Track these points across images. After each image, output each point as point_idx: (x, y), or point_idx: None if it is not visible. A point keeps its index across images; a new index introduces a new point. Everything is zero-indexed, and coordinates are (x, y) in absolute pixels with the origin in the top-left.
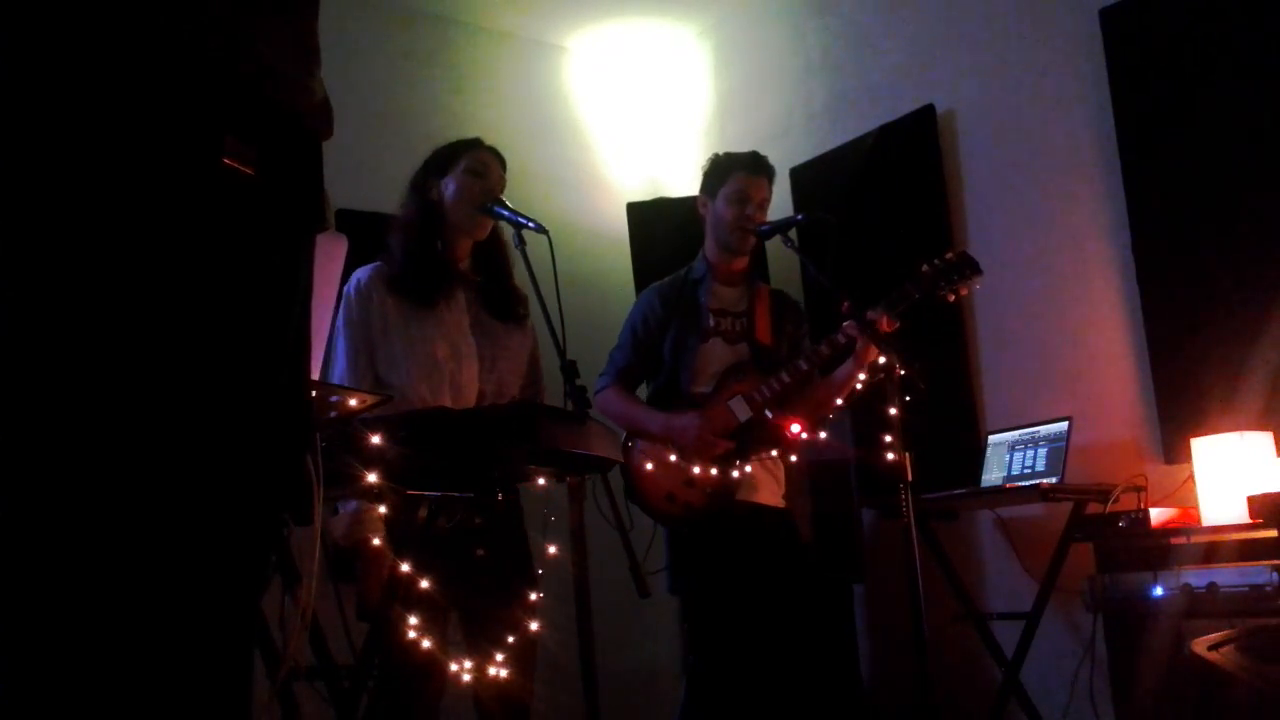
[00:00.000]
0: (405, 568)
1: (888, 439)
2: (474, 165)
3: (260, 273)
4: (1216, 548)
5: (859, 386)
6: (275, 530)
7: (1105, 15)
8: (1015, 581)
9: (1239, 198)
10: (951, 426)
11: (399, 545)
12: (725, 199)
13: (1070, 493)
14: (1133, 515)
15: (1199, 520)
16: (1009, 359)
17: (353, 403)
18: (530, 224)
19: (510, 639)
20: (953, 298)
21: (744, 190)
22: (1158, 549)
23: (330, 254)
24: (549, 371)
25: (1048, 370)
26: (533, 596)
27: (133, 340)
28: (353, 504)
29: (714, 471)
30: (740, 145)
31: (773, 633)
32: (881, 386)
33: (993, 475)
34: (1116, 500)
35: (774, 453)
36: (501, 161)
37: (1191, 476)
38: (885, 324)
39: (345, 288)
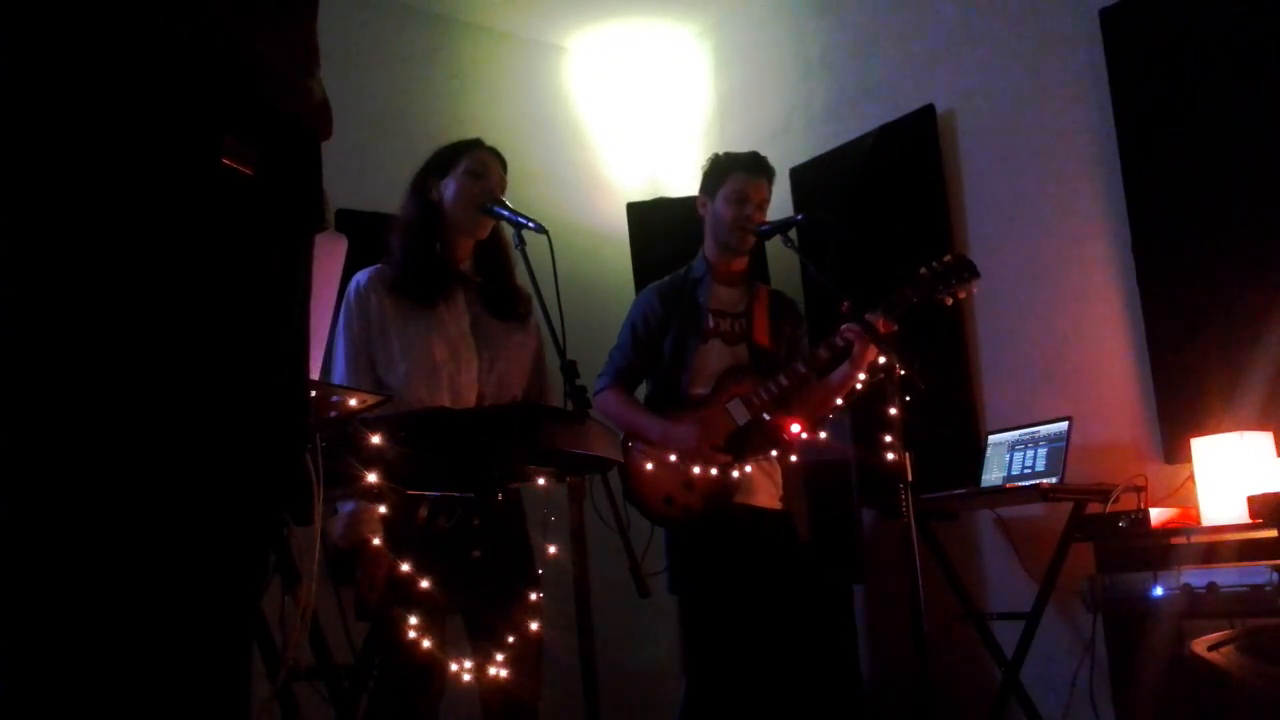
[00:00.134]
0: (405, 568)
1: (888, 439)
2: (474, 166)
3: (259, 273)
4: (1216, 548)
5: (859, 386)
6: (275, 530)
7: (1105, 15)
8: (1015, 581)
9: (1239, 197)
10: (951, 426)
11: (398, 545)
12: (724, 199)
13: (1070, 493)
14: (1133, 515)
15: (1199, 520)
16: (1009, 359)
17: (353, 403)
18: (530, 224)
19: (511, 639)
20: (950, 301)
21: (743, 190)
22: (1158, 549)
23: (330, 254)
24: (549, 371)
25: (1048, 370)
26: (533, 597)
27: (131, 340)
28: (349, 505)
29: (713, 472)
30: (740, 145)
31: (772, 633)
32: (881, 386)
33: (993, 475)
34: (1116, 500)
35: (773, 453)
36: (502, 162)
37: (1191, 476)
38: (883, 326)
39: (345, 291)
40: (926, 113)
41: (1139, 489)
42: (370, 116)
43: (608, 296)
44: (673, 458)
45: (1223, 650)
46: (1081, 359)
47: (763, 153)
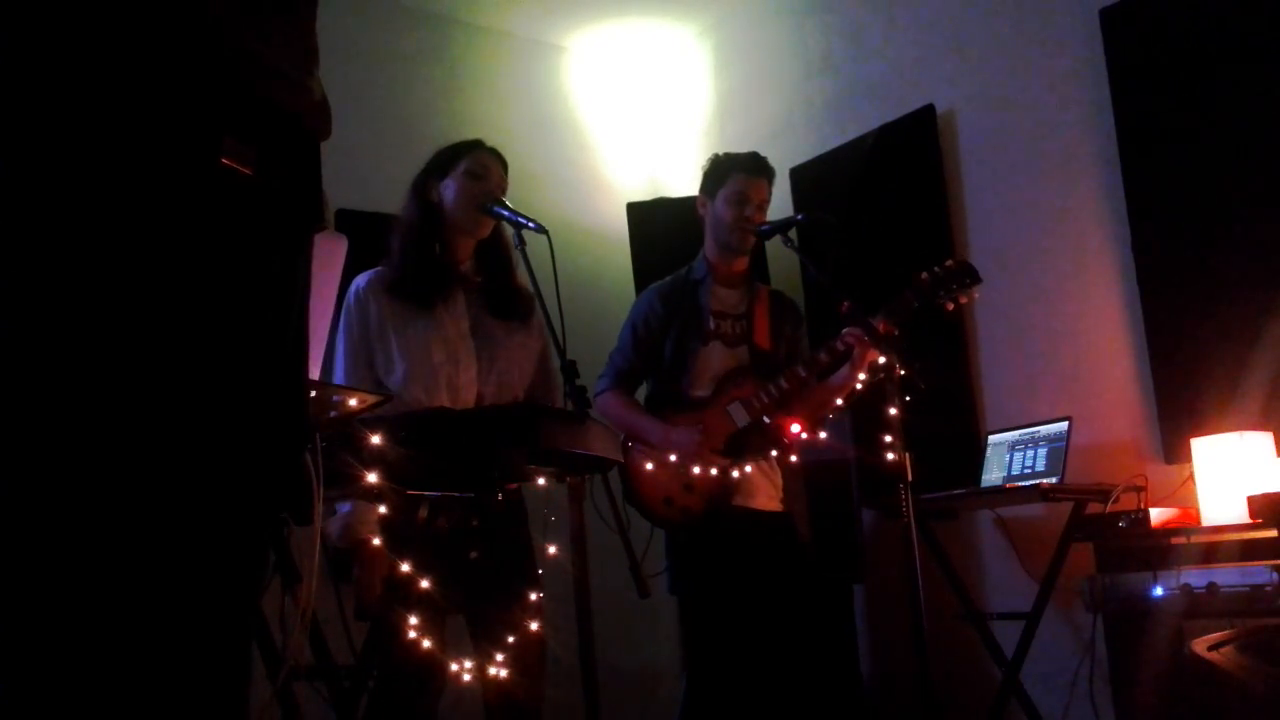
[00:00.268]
0: (405, 568)
1: (888, 439)
2: (474, 167)
3: (259, 273)
4: (1216, 548)
5: (859, 387)
6: (275, 530)
7: (1105, 15)
8: (1015, 581)
9: (1239, 197)
10: (951, 426)
11: (398, 545)
12: (724, 200)
13: (1070, 493)
14: (1133, 515)
15: (1199, 520)
16: (1009, 359)
17: (353, 403)
18: (530, 224)
19: (511, 639)
20: (951, 306)
21: (743, 191)
22: (1158, 549)
23: (330, 254)
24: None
25: (1048, 370)
26: (533, 596)
27: (131, 340)
28: (346, 505)
29: (712, 473)
30: (740, 145)
31: (772, 633)
32: (881, 386)
33: (993, 475)
34: (1116, 500)
35: (772, 454)
36: (503, 162)
37: (1191, 476)
38: (884, 329)
39: (345, 295)
40: (926, 113)
41: (1139, 489)
42: (370, 116)
43: (608, 296)
44: (672, 458)
45: (1223, 650)
46: (1081, 359)
47: (763, 153)
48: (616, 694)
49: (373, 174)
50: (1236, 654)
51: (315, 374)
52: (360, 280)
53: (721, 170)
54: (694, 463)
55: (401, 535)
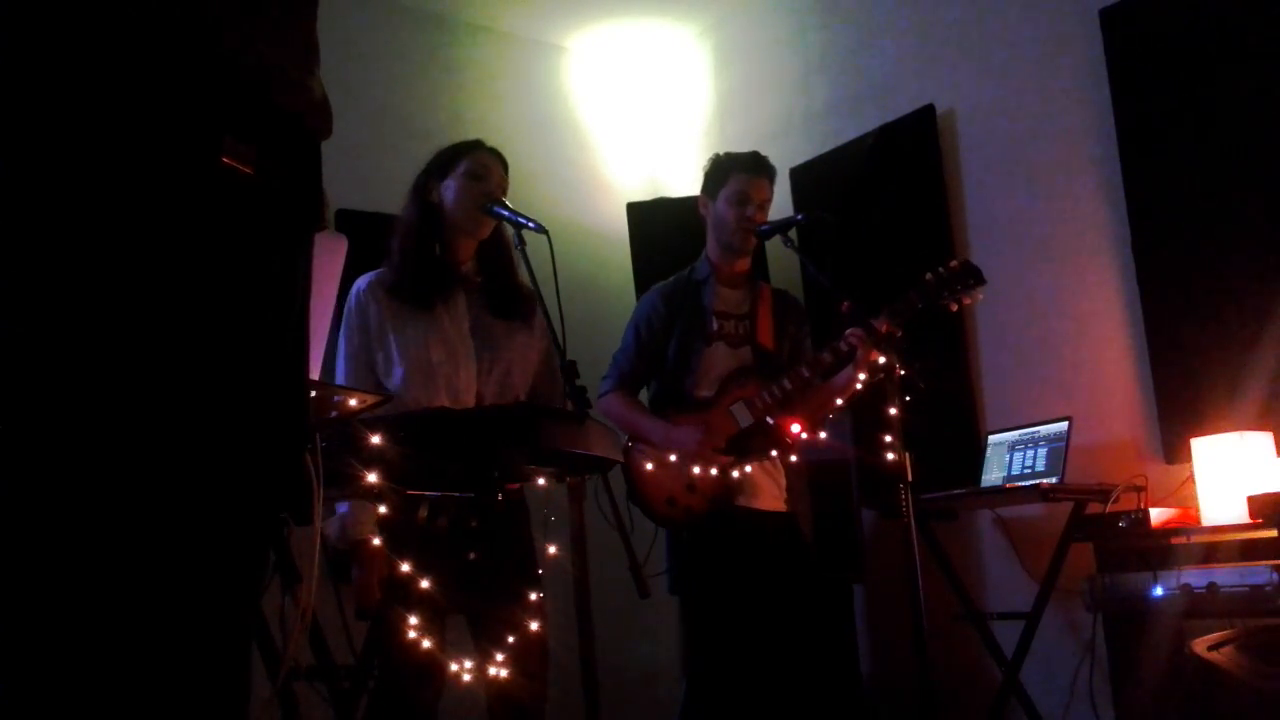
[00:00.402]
0: (405, 568)
1: (888, 439)
2: (474, 168)
3: (259, 272)
4: (1216, 548)
5: (859, 387)
6: (275, 530)
7: (1105, 15)
8: (1015, 581)
9: (1239, 197)
10: (951, 426)
11: (398, 545)
12: (726, 200)
13: (1070, 493)
14: (1133, 515)
15: (1199, 520)
16: (1009, 359)
17: (353, 403)
18: (530, 224)
19: (511, 639)
20: (955, 308)
21: (744, 191)
22: (1158, 549)
23: (330, 254)
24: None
25: (1048, 370)
26: (534, 596)
27: (131, 339)
28: (345, 506)
29: (714, 472)
30: (740, 145)
31: (772, 633)
32: (881, 386)
33: (993, 475)
34: (1116, 500)
35: (773, 453)
36: (503, 162)
37: (1191, 476)
38: (886, 330)
39: (347, 296)
40: (926, 113)
41: (1139, 489)
42: (370, 116)
43: (608, 296)
44: (672, 458)
45: (1223, 650)
46: (1081, 359)
47: (763, 153)
48: (616, 694)
49: (373, 174)
50: (1236, 654)
51: (315, 375)
52: (361, 282)
53: (722, 170)
54: (695, 462)
55: (401, 535)
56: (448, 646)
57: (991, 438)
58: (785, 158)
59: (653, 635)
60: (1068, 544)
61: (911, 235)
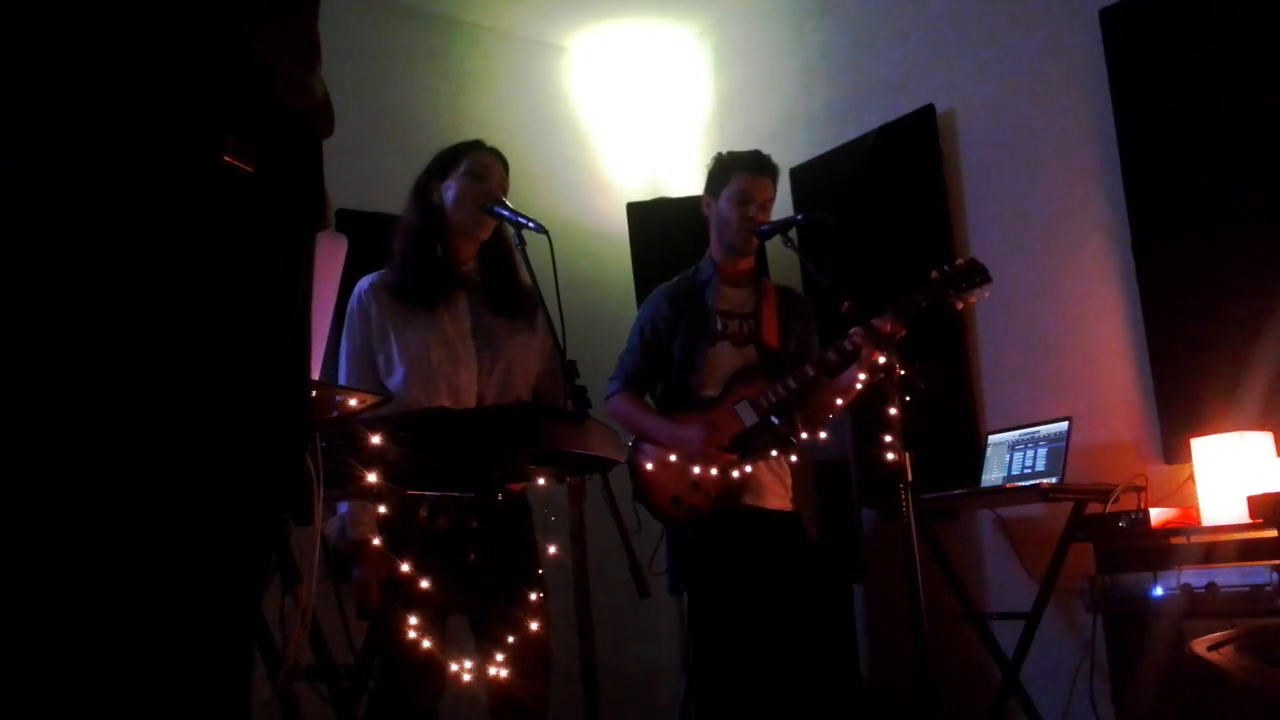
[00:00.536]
0: (405, 568)
1: (888, 439)
2: (474, 168)
3: (260, 271)
4: (1216, 548)
5: (859, 387)
6: (275, 530)
7: (1105, 15)
8: (1015, 581)
9: (1239, 198)
10: (951, 426)
11: (398, 546)
12: (728, 199)
13: (1070, 493)
14: (1133, 515)
15: (1199, 520)
16: (1009, 359)
17: (353, 403)
18: (530, 224)
19: (511, 640)
20: (960, 306)
21: (746, 190)
22: (1158, 549)
23: (331, 253)
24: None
25: (1048, 370)
26: (534, 597)
27: (132, 339)
28: (345, 506)
29: (713, 472)
30: (740, 145)
31: (773, 633)
32: (881, 386)
33: (993, 475)
34: (1116, 500)
35: (774, 453)
36: (503, 163)
37: (1191, 476)
38: (891, 328)
39: (349, 297)
40: (926, 113)
41: (1139, 489)
42: (370, 116)
43: (608, 296)
44: (673, 458)
45: (1223, 650)
46: (1081, 359)
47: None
48: (616, 694)
49: (373, 174)
50: (1236, 654)
51: (316, 374)
52: (364, 283)
53: (724, 170)
54: (698, 461)
55: (401, 535)
56: (448, 647)
57: (991, 438)
58: (785, 158)
59: (653, 635)
60: (1068, 544)
61: (912, 235)
